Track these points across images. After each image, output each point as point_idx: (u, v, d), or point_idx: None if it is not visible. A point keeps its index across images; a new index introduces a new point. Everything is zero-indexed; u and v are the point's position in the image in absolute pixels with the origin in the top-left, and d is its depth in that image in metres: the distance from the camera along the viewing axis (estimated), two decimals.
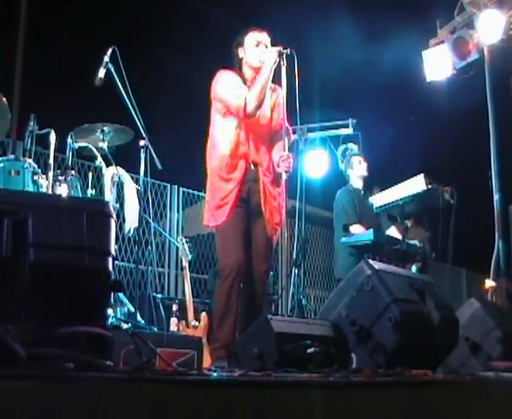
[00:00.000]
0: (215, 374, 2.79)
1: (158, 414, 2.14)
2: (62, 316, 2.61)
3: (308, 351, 3.52)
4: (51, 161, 5.56)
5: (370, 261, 4.35)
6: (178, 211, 10.76)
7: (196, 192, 10.87)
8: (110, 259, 2.84)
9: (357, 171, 7.63)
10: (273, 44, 5.13)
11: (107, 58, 6.11)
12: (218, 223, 4.96)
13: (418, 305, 4.39)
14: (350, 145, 9.26)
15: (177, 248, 7.60)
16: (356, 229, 7.12)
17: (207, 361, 5.39)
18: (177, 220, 10.69)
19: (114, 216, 3.02)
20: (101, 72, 6.07)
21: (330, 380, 2.90)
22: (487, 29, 8.32)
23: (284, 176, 5.00)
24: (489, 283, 7.87)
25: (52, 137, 5.69)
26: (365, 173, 7.61)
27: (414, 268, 7.16)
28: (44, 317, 2.60)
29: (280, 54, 4.95)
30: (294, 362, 3.32)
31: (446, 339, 4.66)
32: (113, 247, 2.89)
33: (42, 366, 2.24)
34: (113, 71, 6.12)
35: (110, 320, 5.60)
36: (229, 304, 4.81)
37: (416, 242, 7.18)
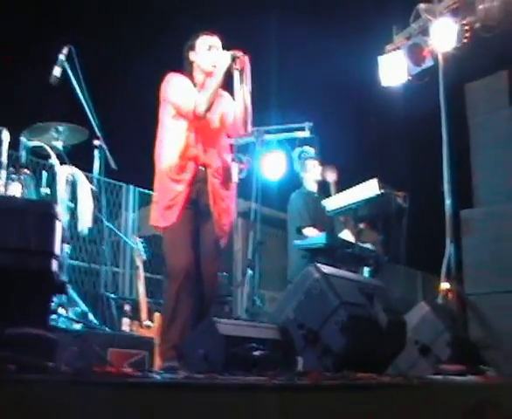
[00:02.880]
0: (159, 377, 2.79)
1: (98, 416, 2.15)
2: (4, 317, 2.61)
3: (254, 354, 3.54)
4: (3, 159, 5.52)
5: (319, 265, 4.39)
6: (134, 211, 10.73)
7: (151, 192, 10.82)
8: (54, 261, 2.83)
9: (312, 174, 7.69)
10: (225, 48, 5.14)
11: (62, 57, 6.09)
12: (168, 224, 4.97)
13: (365, 309, 4.44)
14: (306, 148, 9.31)
15: (132, 248, 7.57)
16: (310, 232, 7.17)
17: (159, 361, 5.40)
18: (133, 220, 10.66)
19: (62, 217, 3.02)
20: (57, 71, 6.05)
21: (275, 383, 2.91)
22: (442, 36, 8.41)
23: (236, 178, 5.03)
24: (444, 285, 7.95)
25: (5, 135, 5.64)
26: (319, 177, 7.67)
27: (366, 271, 7.21)
28: None
29: (234, 58, 4.97)
30: (240, 365, 3.34)
31: (393, 342, 4.72)
32: (58, 248, 2.88)
33: None
34: (68, 70, 6.10)
35: (61, 320, 5.58)
36: (178, 304, 4.81)
37: (369, 245, 7.24)
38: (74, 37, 6.59)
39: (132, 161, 9.87)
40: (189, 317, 4.83)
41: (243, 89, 5.05)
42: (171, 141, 5.07)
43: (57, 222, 2.89)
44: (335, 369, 3.93)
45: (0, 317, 2.61)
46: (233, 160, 5.12)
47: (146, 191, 10.87)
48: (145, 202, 10.92)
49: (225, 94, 5.24)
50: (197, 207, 5.05)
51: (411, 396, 3.66)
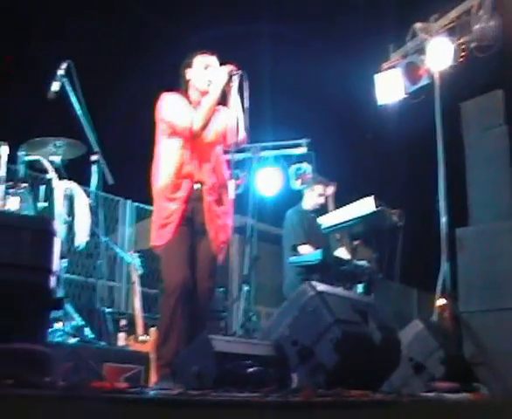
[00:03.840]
0: (152, 392, 2.82)
1: None
2: (1, 332, 2.63)
3: (248, 371, 3.56)
4: (1, 173, 5.54)
5: (314, 282, 4.42)
6: (130, 225, 10.75)
7: (148, 206, 10.86)
8: (52, 277, 2.86)
9: (314, 199, 7.67)
10: (221, 64, 5.17)
11: (61, 73, 6.12)
12: (163, 242, 4.99)
13: (359, 327, 4.47)
14: (304, 165, 9.35)
15: (128, 262, 7.59)
16: (305, 249, 7.17)
17: (155, 377, 5.41)
18: (129, 234, 10.67)
19: (59, 233, 3.05)
20: (55, 86, 6.08)
21: (268, 399, 2.93)
22: (438, 55, 8.48)
23: (232, 195, 5.04)
24: (439, 302, 7.98)
25: (4, 149, 5.66)
26: (318, 206, 7.67)
27: (361, 288, 7.23)
28: None
29: (231, 75, 5.00)
30: (234, 382, 3.36)
31: (387, 359, 4.75)
32: (55, 265, 2.91)
33: None
34: (66, 85, 6.14)
35: (58, 334, 5.60)
36: (173, 321, 4.82)
37: (364, 262, 7.26)
38: (72, 53, 6.62)
39: (129, 176, 9.91)
40: (183, 333, 4.84)
41: (236, 101, 5.06)
42: (166, 160, 5.08)
43: (54, 238, 2.93)
44: (328, 386, 3.94)
45: None
46: (231, 177, 5.13)
47: (143, 206, 10.90)
48: (142, 216, 10.94)
49: (221, 108, 5.25)
50: (192, 225, 5.06)
51: (404, 414, 3.68)
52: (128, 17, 11.73)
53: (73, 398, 2.24)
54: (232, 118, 5.01)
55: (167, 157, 5.08)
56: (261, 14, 11.86)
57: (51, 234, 2.92)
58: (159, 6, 11.70)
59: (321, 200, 7.70)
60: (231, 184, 5.07)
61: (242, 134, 5.11)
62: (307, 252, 7.08)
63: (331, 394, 3.53)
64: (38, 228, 2.90)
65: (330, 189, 7.83)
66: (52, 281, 2.86)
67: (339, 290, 5.07)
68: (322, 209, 7.64)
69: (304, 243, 7.23)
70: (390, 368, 4.83)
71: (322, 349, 4.14)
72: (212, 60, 5.21)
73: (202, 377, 3.45)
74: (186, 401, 2.64)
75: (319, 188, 7.70)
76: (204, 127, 5.04)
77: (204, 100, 5.11)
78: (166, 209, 5.00)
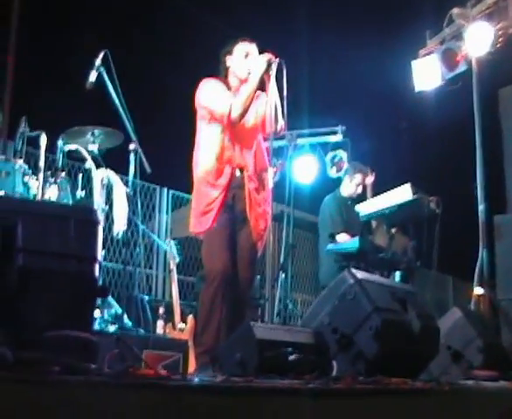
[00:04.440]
0: (197, 380, 2.84)
1: (139, 418, 2.19)
2: (49, 320, 2.67)
3: (289, 358, 3.57)
4: (41, 163, 5.60)
5: (353, 270, 4.41)
6: (167, 213, 10.81)
7: (184, 194, 10.92)
8: (96, 265, 2.90)
9: (353, 188, 7.66)
10: (261, 52, 5.18)
11: (98, 62, 6.15)
12: (204, 229, 5.02)
13: (399, 315, 4.45)
14: (339, 152, 9.35)
15: (165, 250, 7.64)
16: (342, 237, 7.16)
17: (193, 364, 5.44)
18: (166, 222, 10.73)
19: (102, 222, 3.08)
20: (93, 76, 6.11)
21: (310, 387, 2.94)
22: (476, 41, 8.39)
23: (271, 183, 5.04)
24: (477, 291, 7.94)
25: (43, 139, 5.73)
26: (355, 195, 7.64)
27: (398, 276, 7.21)
28: (31, 321, 2.65)
29: (270, 63, 5.00)
30: (276, 369, 3.37)
31: (426, 347, 4.73)
32: (99, 253, 2.95)
33: (28, 370, 2.28)
34: (104, 74, 6.17)
35: (97, 322, 5.66)
36: (213, 309, 4.85)
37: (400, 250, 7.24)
38: (110, 42, 6.66)
39: (165, 164, 9.96)
40: (223, 321, 4.87)
41: (274, 89, 5.05)
42: (207, 146, 5.11)
43: (99, 227, 2.96)
44: (368, 374, 3.95)
45: (43, 320, 2.67)
46: (269, 164, 5.13)
47: (179, 194, 10.96)
48: (178, 204, 11.01)
49: (261, 94, 5.26)
50: (232, 212, 5.09)
51: (444, 402, 3.67)
52: (164, 4, 11.75)
53: (120, 385, 2.26)
54: (271, 106, 5.01)
55: (208, 143, 5.11)
56: (299, 1, 11.84)
57: (95, 223, 2.96)
58: None
59: (360, 189, 7.69)
60: (271, 172, 5.08)
61: (281, 123, 5.11)
62: (345, 240, 7.08)
63: (371, 381, 3.53)
64: (82, 217, 2.93)
65: (370, 179, 7.80)
66: (97, 269, 2.90)
67: (378, 278, 5.06)
68: (360, 198, 7.62)
69: (342, 232, 7.22)
70: (429, 357, 4.81)
71: (362, 337, 4.14)
72: (252, 48, 5.22)
73: (244, 365, 3.47)
74: (231, 387, 2.66)
75: (358, 178, 7.68)
76: (243, 114, 5.05)
77: (242, 88, 5.13)
78: (208, 196, 5.03)
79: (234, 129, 5.12)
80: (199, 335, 5.06)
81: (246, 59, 5.18)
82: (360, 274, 4.40)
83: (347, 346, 4.15)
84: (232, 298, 4.96)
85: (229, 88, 5.26)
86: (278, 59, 5.00)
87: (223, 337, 4.77)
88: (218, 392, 2.54)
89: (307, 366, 3.54)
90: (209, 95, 5.17)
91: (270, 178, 5.04)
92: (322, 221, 7.58)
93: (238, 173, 5.12)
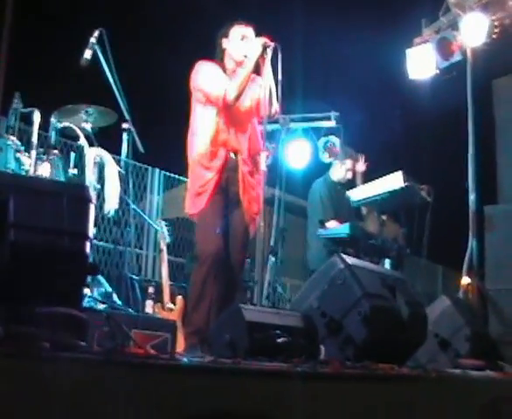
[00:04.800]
0: (185, 360, 2.85)
1: (127, 396, 2.20)
2: (39, 296, 2.67)
3: (278, 341, 3.59)
4: (34, 139, 5.58)
5: (344, 255, 4.44)
6: (158, 194, 10.81)
7: (176, 176, 10.92)
8: (88, 243, 2.90)
9: (342, 173, 7.66)
10: (257, 36, 5.17)
11: (93, 40, 6.12)
12: (198, 210, 5.03)
13: (388, 301, 4.48)
14: (332, 138, 9.34)
15: (156, 230, 7.64)
16: (332, 224, 7.15)
17: (181, 345, 5.45)
18: (157, 202, 10.74)
19: (94, 200, 3.08)
20: (87, 53, 6.08)
21: (298, 370, 2.96)
22: (471, 31, 8.38)
23: (264, 166, 5.04)
24: (465, 280, 7.97)
25: (36, 116, 5.71)
26: (344, 181, 7.64)
27: (388, 263, 7.23)
28: (22, 296, 2.66)
29: (265, 47, 4.99)
30: (265, 352, 3.38)
31: (414, 334, 4.76)
32: (91, 231, 2.95)
33: (19, 345, 2.29)
34: (99, 53, 6.15)
35: (87, 300, 5.65)
36: (204, 289, 4.87)
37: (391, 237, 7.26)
38: (105, 20, 6.63)
39: (158, 145, 9.95)
40: (213, 302, 4.89)
41: (269, 73, 5.04)
42: (202, 129, 5.11)
43: (91, 205, 2.97)
44: (355, 359, 3.97)
45: (34, 296, 2.67)
46: (263, 148, 5.13)
47: (171, 174, 10.96)
48: (170, 185, 11.01)
49: (256, 78, 5.25)
50: (226, 195, 5.09)
51: (429, 389, 3.71)
52: None
53: (110, 362, 2.27)
54: (265, 90, 5.01)
55: (202, 125, 5.11)
56: None
57: (87, 200, 2.96)
58: None
59: (349, 175, 7.69)
60: (263, 155, 5.08)
61: (275, 106, 5.11)
62: (335, 227, 7.07)
63: (359, 366, 3.56)
64: (75, 194, 2.94)
65: (361, 167, 7.80)
66: (88, 247, 2.91)
67: (368, 264, 5.08)
68: (350, 184, 7.63)
69: (332, 218, 7.22)
70: (416, 344, 4.84)
71: (351, 322, 4.16)
72: (248, 31, 5.22)
73: (233, 346, 3.48)
74: (219, 368, 2.67)
75: (349, 163, 7.68)
76: (238, 97, 5.05)
77: (238, 71, 5.12)
78: (202, 178, 5.04)
79: (229, 112, 5.13)
80: (189, 315, 5.08)
81: (242, 42, 5.18)
82: (350, 259, 4.43)
83: (336, 331, 4.18)
84: (224, 279, 4.98)
85: (225, 71, 5.26)
86: (273, 43, 4.99)
87: (213, 318, 4.78)
88: (207, 372, 2.55)
89: (295, 349, 3.56)
90: (205, 78, 5.17)
91: (263, 161, 5.04)
92: (312, 205, 7.57)
93: (232, 156, 5.12)
